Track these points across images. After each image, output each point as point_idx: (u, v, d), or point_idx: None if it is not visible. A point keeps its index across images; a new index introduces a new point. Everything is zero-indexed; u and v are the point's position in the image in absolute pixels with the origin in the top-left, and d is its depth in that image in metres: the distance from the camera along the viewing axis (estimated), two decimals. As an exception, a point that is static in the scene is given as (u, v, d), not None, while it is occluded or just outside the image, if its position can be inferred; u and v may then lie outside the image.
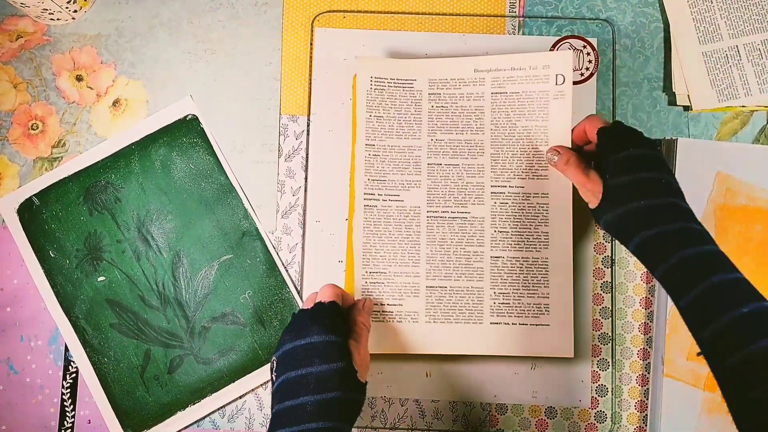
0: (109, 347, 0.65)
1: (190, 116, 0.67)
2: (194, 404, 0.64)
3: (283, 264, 0.66)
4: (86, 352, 0.65)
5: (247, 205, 0.66)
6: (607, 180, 0.55)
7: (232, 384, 0.64)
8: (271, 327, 0.65)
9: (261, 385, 0.65)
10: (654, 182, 0.53)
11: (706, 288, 0.47)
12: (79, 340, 0.65)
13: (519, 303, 0.62)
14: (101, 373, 0.64)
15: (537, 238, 0.63)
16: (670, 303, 0.63)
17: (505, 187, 0.63)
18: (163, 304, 0.65)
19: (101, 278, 0.65)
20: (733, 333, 0.46)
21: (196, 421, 0.64)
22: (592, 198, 0.56)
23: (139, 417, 0.64)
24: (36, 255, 0.65)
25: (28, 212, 0.66)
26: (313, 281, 0.66)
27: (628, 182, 0.53)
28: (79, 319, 0.65)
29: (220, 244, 0.66)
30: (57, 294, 0.65)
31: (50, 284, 0.65)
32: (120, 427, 0.64)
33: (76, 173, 0.66)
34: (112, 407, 0.64)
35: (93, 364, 0.64)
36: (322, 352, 0.52)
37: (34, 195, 0.66)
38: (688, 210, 0.52)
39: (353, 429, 0.64)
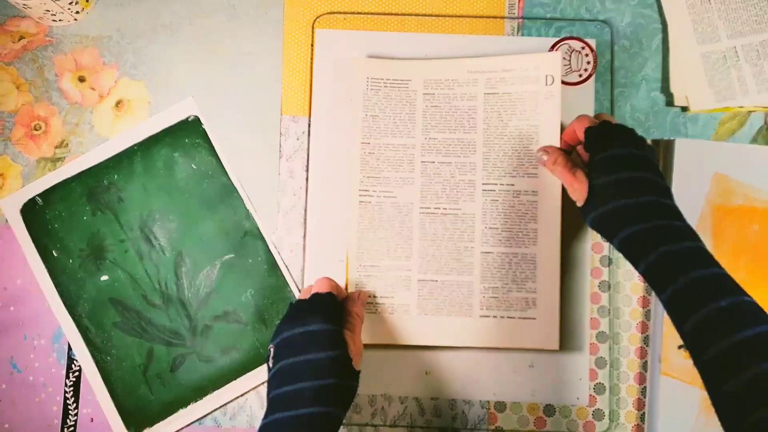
0: (112, 346, 0.65)
1: (192, 117, 0.68)
2: (196, 402, 0.65)
3: (284, 263, 0.66)
4: (89, 350, 0.65)
5: (248, 205, 0.67)
6: (592, 179, 0.56)
7: (234, 382, 0.65)
8: (273, 326, 0.65)
9: (262, 383, 0.65)
10: (636, 181, 0.53)
11: (686, 283, 0.48)
12: (83, 338, 0.65)
13: (507, 297, 0.63)
14: (104, 372, 0.65)
15: (526, 235, 0.64)
16: (668, 302, 0.64)
17: (496, 184, 0.64)
18: (166, 303, 0.66)
19: (104, 277, 0.66)
20: (710, 326, 0.46)
21: (198, 419, 0.65)
22: (579, 197, 0.57)
23: (141, 415, 0.64)
24: (39, 255, 0.65)
25: (31, 212, 0.66)
26: (314, 281, 0.66)
27: (611, 182, 0.54)
28: (82, 318, 0.65)
29: (222, 244, 0.66)
30: (60, 293, 0.65)
31: (54, 283, 0.65)
32: (123, 425, 0.64)
33: (79, 173, 0.66)
34: (115, 405, 0.64)
35: (96, 362, 0.65)
36: (319, 341, 0.54)
37: (38, 195, 0.66)
38: (671, 207, 0.53)
39: (355, 427, 0.65)
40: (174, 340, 0.65)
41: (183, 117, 0.68)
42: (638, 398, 0.65)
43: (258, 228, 0.66)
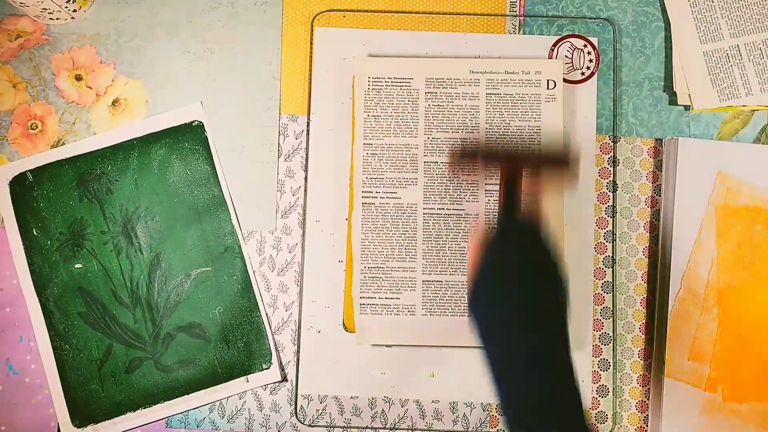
0: (73, 335, 0.64)
1: (196, 122, 0.67)
2: (145, 408, 0.64)
3: (258, 288, 0.65)
4: (50, 335, 0.64)
5: (234, 221, 0.66)
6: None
7: (186, 396, 0.64)
8: (235, 347, 0.65)
9: (214, 402, 0.64)
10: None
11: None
12: (45, 322, 0.64)
13: None
14: (60, 359, 0.64)
15: None
16: (672, 303, 0.63)
17: (499, 185, 0.64)
18: (134, 303, 0.65)
19: (78, 265, 0.65)
20: None
21: (141, 425, 0.64)
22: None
23: (89, 410, 0.64)
24: (20, 230, 0.65)
25: (20, 186, 0.66)
26: (312, 281, 0.66)
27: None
28: (48, 301, 0.65)
29: (201, 255, 0.65)
30: (32, 272, 0.65)
31: (27, 261, 0.65)
32: (68, 415, 0.63)
33: (74, 157, 0.66)
34: (64, 395, 0.64)
35: (54, 348, 0.64)
36: None
37: (29, 171, 0.66)
38: None
39: (355, 430, 0.64)
40: (134, 342, 0.64)
41: (188, 120, 0.67)
42: (642, 400, 0.65)
43: (239, 246, 0.66)
